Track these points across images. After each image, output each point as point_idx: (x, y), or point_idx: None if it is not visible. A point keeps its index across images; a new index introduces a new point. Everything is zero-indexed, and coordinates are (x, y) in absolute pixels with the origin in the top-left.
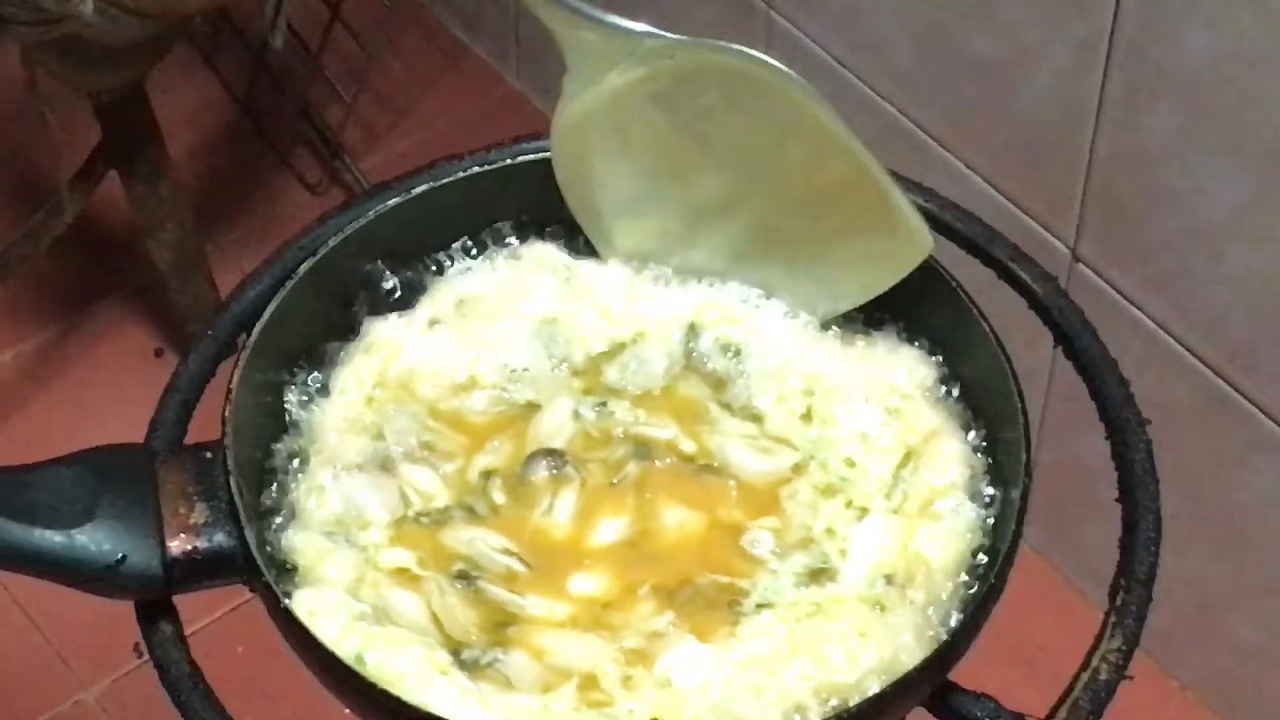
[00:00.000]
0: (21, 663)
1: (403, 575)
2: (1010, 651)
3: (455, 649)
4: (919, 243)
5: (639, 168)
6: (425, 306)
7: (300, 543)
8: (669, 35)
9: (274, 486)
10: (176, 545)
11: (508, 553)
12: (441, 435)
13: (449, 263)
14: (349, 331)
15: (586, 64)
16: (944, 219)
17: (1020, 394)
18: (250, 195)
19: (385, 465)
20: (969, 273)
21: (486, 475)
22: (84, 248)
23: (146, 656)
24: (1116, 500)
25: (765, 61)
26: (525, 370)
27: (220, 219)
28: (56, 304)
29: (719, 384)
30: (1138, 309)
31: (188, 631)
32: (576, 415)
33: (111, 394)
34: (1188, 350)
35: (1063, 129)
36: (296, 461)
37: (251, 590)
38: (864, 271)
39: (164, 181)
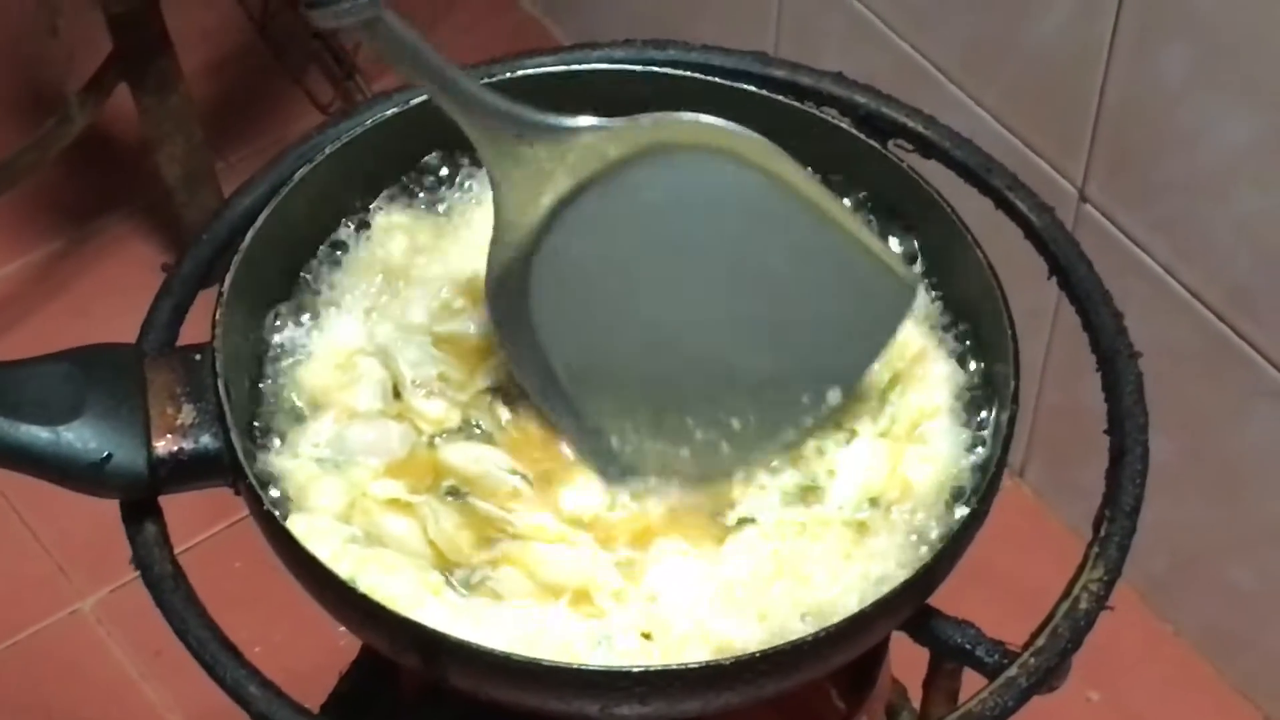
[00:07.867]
0: (19, 571)
1: (394, 503)
2: (1006, 593)
3: (447, 569)
4: (908, 285)
5: (590, 320)
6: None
7: (292, 467)
8: (605, 123)
9: (265, 413)
10: (163, 445)
11: (514, 472)
12: (448, 364)
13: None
14: (340, 247)
15: (517, 188)
16: (943, 146)
17: (1009, 316)
18: (261, 113)
19: (389, 398)
20: (969, 205)
21: (489, 393)
22: (93, 161)
23: None
24: (1105, 432)
25: (712, 125)
26: None
27: (230, 136)
28: (64, 216)
29: None
30: (1143, 251)
31: (184, 546)
32: None
33: (117, 307)
34: (1192, 294)
35: (1074, 68)
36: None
37: (236, 493)
38: (859, 337)
39: (174, 94)
